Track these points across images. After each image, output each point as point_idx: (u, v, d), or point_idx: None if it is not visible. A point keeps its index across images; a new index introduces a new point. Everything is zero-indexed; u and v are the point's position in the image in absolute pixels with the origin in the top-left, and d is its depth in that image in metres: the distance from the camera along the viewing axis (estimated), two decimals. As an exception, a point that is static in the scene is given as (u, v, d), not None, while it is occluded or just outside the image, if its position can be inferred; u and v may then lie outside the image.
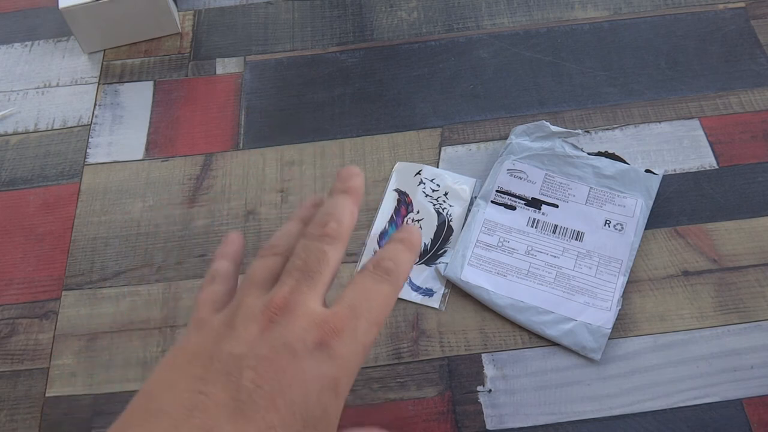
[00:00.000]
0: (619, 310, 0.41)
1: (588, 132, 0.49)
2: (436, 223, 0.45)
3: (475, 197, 0.46)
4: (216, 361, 0.26)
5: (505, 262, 0.43)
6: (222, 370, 0.26)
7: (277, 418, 0.25)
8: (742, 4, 0.54)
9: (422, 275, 0.43)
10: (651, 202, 0.45)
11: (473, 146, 0.49)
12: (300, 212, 0.33)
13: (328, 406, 0.26)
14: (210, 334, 0.28)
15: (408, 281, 0.43)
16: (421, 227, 0.45)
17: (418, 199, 0.46)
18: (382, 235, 0.45)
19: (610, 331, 0.40)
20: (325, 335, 0.26)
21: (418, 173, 0.47)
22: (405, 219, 0.46)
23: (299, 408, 0.25)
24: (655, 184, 0.45)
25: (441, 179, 0.47)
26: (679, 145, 0.48)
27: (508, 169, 0.46)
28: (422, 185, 0.47)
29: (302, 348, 0.26)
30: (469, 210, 0.46)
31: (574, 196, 0.45)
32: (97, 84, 0.54)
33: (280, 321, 0.27)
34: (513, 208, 0.45)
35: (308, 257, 0.29)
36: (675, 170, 0.47)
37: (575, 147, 0.47)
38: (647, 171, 0.45)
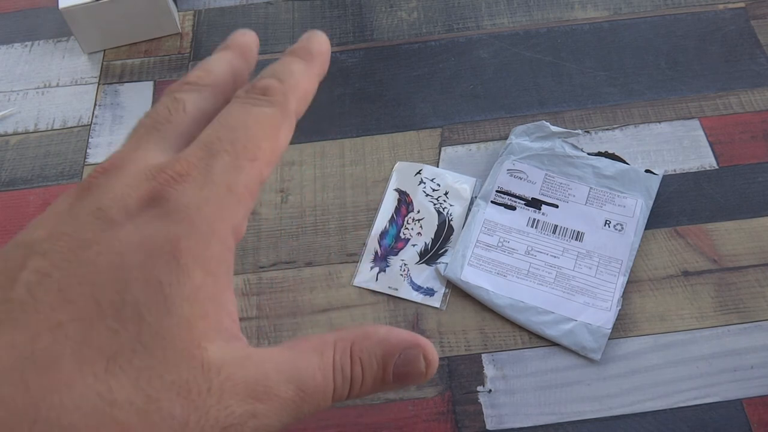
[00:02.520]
0: (619, 310, 0.41)
1: (588, 132, 0.49)
2: (437, 223, 0.45)
3: (475, 197, 0.46)
4: (11, 253, 0.18)
5: (505, 262, 0.43)
6: (8, 267, 0.18)
7: (67, 313, 0.17)
8: (742, 4, 0.54)
9: (423, 275, 0.43)
10: (651, 202, 0.45)
11: (473, 146, 0.49)
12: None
13: (163, 281, 0.18)
14: (61, 205, 0.20)
15: (409, 281, 0.43)
16: (421, 227, 0.45)
17: (419, 199, 0.46)
18: (383, 234, 0.45)
19: (610, 331, 0.40)
20: (158, 186, 0.19)
21: (419, 173, 0.47)
22: (405, 218, 0.46)
23: (107, 291, 0.17)
24: (655, 184, 0.45)
25: (441, 179, 0.47)
26: (679, 145, 0.48)
27: (508, 169, 0.46)
28: (422, 185, 0.47)
29: (120, 211, 0.19)
30: (469, 210, 0.46)
31: (574, 196, 0.45)
32: (97, 84, 0.54)
33: (100, 184, 0.19)
34: (513, 208, 0.45)
35: (158, 109, 0.22)
36: (675, 170, 0.47)
37: (575, 147, 0.47)
38: (647, 171, 0.45)
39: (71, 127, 0.52)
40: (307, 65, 0.22)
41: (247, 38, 0.24)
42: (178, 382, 0.17)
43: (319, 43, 0.23)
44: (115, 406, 0.17)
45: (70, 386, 0.16)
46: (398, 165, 0.48)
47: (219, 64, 0.24)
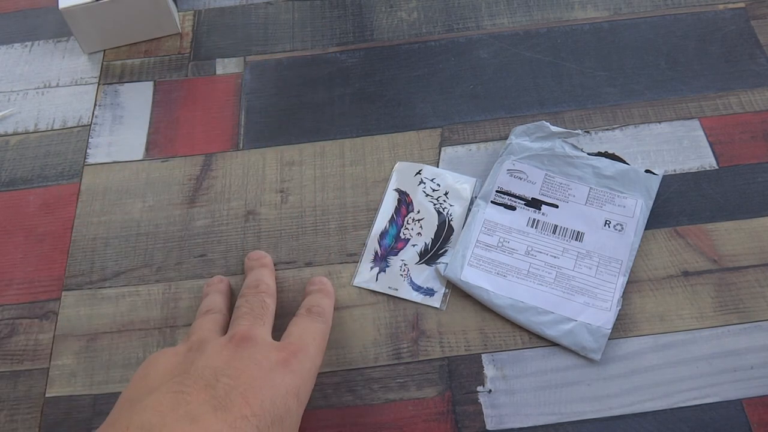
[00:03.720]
0: (619, 310, 0.41)
1: (588, 132, 0.49)
2: (437, 223, 0.45)
3: (475, 197, 0.46)
4: (193, 374, 0.32)
5: (505, 263, 0.43)
6: (200, 379, 0.32)
7: (250, 411, 0.31)
8: (742, 4, 0.54)
9: (423, 275, 0.43)
10: (651, 203, 0.45)
11: (473, 146, 0.49)
12: (209, 288, 0.42)
13: (291, 407, 0.32)
14: (181, 357, 0.34)
15: (409, 281, 0.43)
16: (421, 227, 0.45)
17: (419, 199, 0.46)
18: (383, 234, 0.45)
19: (610, 331, 0.40)
20: (287, 355, 0.34)
21: (419, 173, 0.47)
22: (405, 218, 0.46)
23: (268, 405, 0.31)
24: (655, 184, 0.45)
25: (441, 179, 0.47)
26: (679, 146, 0.48)
27: (508, 170, 0.46)
28: (422, 185, 0.47)
29: (268, 364, 0.33)
30: (469, 210, 0.46)
31: (574, 196, 0.45)
32: (97, 84, 0.54)
33: (247, 346, 0.34)
34: (513, 208, 0.45)
35: (253, 305, 0.38)
36: (675, 170, 0.47)
37: (575, 147, 0.47)
38: (647, 171, 0.46)
39: (71, 127, 0.52)
40: (330, 300, 0.41)
41: (270, 259, 0.44)
42: None
43: (330, 286, 0.42)
44: None
45: None
46: (398, 165, 0.48)
47: (270, 279, 0.41)
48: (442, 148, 0.49)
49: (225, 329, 0.38)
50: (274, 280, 0.42)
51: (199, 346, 0.35)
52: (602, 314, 0.41)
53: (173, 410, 0.30)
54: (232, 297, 0.43)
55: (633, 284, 0.43)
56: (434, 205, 0.46)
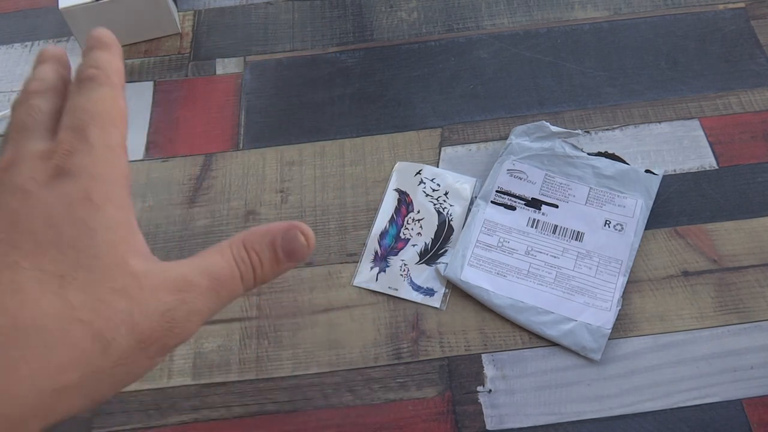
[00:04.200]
0: (619, 310, 0.41)
1: (588, 132, 0.49)
2: (437, 223, 0.45)
3: (475, 197, 0.46)
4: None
5: (505, 263, 0.43)
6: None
7: (18, 254, 0.23)
8: (742, 4, 0.54)
9: (423, 275, 0.43)
10: (651, 203, 0.45)
11: (473, 146, 0.49)
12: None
13: (86, 219, 0.24)
14: None
15: (409, 281, 0.43)
16: (421, 227, 0.45)
17: (419, 199, 0.46)
18: (383, 234, 0.45)
19: (610, 331, 0.40)
20: (57, 163, 0.25)
21: (419, 173, 0.47)
22: (405, 218, 0.46)
23: (44, 235, 0.24)
24: (655, 184, 0.45)
25: (441, 179, 0.47)
26: (679, 146, 0.48)
27: (508, 170, 0.46)
28: (422, 185, 0.47)
29: (34, 185, 0.25)
30: (469, 210, 0.46)
31: (574, 196, 0.45)
32: (97, 84, 0.54)
33: (8, 170, 0.25)
34: (513, 208, 0.45)
35: (20, 116, 0.27)
36: (675, 170, 0.47)
37: (575, 147, 0.47)
38: (647, 171, 0.46)
39: (71, 127, 0.52)
40: (107, 53, 0.28)
41: (57, 50, 0.30)
42: (117, 286, 0.24)
43: (103, 33, 0.29)
44: (74, 309, 0.23)
45: (36, 301, 0.22)
46: (398, 165, 0.48)
47: (48, 73, 0.29)
48: (442, 148, 0.49)
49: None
50: (57, 72, 0.29)
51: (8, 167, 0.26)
52: (602, 314, 0.41)
53: None
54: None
55: (633, 284, 0.43)
56: (434, 205, 0.46)
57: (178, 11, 0.58)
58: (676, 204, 0.45)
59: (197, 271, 0.26)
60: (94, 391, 0.24)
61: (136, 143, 0.51)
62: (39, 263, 0.23)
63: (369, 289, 0.43)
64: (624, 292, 0.42)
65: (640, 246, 0.44)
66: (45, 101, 0.27)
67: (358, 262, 0.44)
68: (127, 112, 0.28)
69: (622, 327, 0.41)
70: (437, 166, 0.48)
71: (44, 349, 0.22)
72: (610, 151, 0.47)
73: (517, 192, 0.46)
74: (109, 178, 0.25)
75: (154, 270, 0.25)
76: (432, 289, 0.43)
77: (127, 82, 0.54)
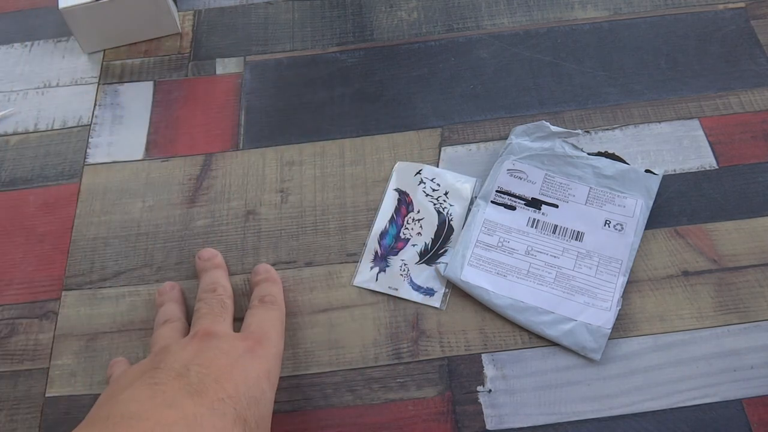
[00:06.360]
0: (619, 310, 0.41)
1: (588, 132, 0.49)
2: (437, 223, 0.45)
3: (475, 197, 0.46)
4: (164, 370, 0.33)
5: (505, 263, 0.43)
6: (171, 372, 0.33)
7: (225, 394, 0.32)
8: (742, 4, 0.54)
9: (423, 275, 0.43)
10: (651, 203, 0.45)
11: (473, 146, 0.49)
12: (162, 297, 0.42)
13: (264, 389, 0.34)
14: (148, 364, 0.34)
15: (409, 281, 0.43)
16: (421, 227, 0.45)
17: (419, 199, 0.46)
18: (383, 234, 0.45)
19: (610, 331, 0.40)
20: (252, 343, 0.35)
21: (419, 173, 0.47)
22: (405, 218, 0.46)
23: (242, 388, 0.32)
24: (655, 184, 0.45)
25: (441, 178, 0.47)
26: (679, 145, 0.48)
27: (508, 169, 0.46)
28: (422, 185, 0.47)
29: (235, 352, 0.34)
30: (469, 210, 0.46)
31: (574, 196, 0.45)
32: (97, 84, 0.54)
33: (211, 339, 0.35)
34: (513, 208, 0.45)
35: (212, 306, 0.39)
36: (675, 170, 0.47)
37: (575, 147, 0.47)
38: (647, 171, 0.45)
39: (71, 127, 0.52)
40: (278, 287, 0.42)
41: (221, 258, 0.44)
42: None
43: (274, 272, 0.43)
44: None
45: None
46: (398, 165, 0.48)
47: (226, 281, 0.42)
48: (442, 148, 0.49)
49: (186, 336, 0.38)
50: (229, 280, 0.42)
51: (163, 351, 0.35)
52: (602, 314, 0.41)
53: (150, 399, 0.31)
54: (188, 305, 0.43)
55: (633, 284, 0.43)
56: (434, 204, 0.46)
57: (178, 11, 0.58)
58: (676, 204, 0.45)
59: None
60: None
61: (136, 143, 0.51)
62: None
63: (369, 289, 0.43)
64: (624, 292, 0.42)
65: (640, 246, 0.44)
66: (228, 301, 0.41)
67: (358, 262, 0.44)
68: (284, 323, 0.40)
69: (622, 327, 0.41)
70: (437, 166, 0.48)
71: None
72: (610, 151, 0.47)
73: (517, 192, 0.46)
74: (277, 369, 0.37)
75: None
76: (432, 289, 0.43)
77: (127, 81, 0.54)
